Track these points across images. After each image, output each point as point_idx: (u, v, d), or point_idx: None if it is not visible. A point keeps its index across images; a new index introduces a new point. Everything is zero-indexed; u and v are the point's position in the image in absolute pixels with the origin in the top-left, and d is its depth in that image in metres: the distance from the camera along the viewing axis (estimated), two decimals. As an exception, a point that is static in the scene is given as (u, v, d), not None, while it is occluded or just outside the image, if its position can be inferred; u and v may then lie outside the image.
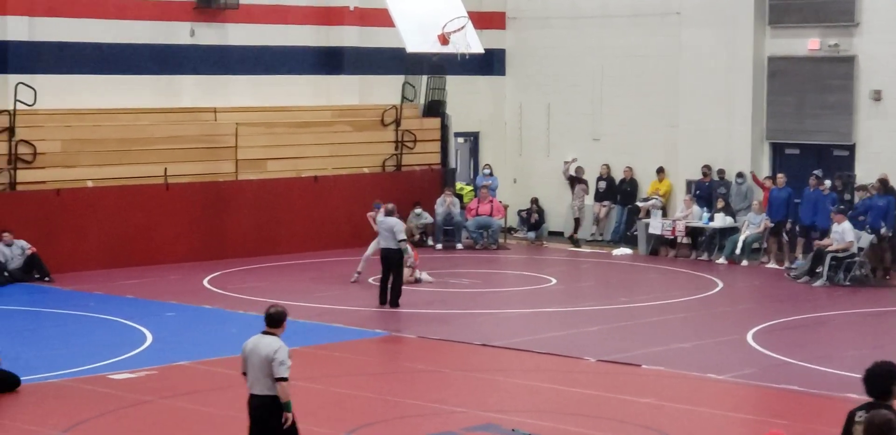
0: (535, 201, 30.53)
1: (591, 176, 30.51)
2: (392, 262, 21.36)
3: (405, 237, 21.68)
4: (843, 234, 23.96)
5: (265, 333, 11.29)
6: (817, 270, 24.07)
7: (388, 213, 21.76)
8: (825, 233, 24.77)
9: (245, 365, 11.25)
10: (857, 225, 24.74)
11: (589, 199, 30.44)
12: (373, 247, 23.25)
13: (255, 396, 11.17)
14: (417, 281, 23.60)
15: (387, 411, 14.72)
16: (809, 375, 16.67)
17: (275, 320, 11.30)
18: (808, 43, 27.68)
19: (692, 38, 29.04)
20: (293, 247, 27.52)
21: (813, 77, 27.67)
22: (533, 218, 30.28)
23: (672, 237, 27.83)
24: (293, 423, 11.12)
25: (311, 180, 28.05)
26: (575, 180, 30.32)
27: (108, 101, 26.26)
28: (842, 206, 24.97)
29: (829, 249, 24.09)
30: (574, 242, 29.80)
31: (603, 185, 30.40)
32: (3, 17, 25.05)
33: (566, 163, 30.41)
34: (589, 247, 29.56)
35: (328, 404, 15.12)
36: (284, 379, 11.03)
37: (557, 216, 31.04)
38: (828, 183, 25.91)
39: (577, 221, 30.22)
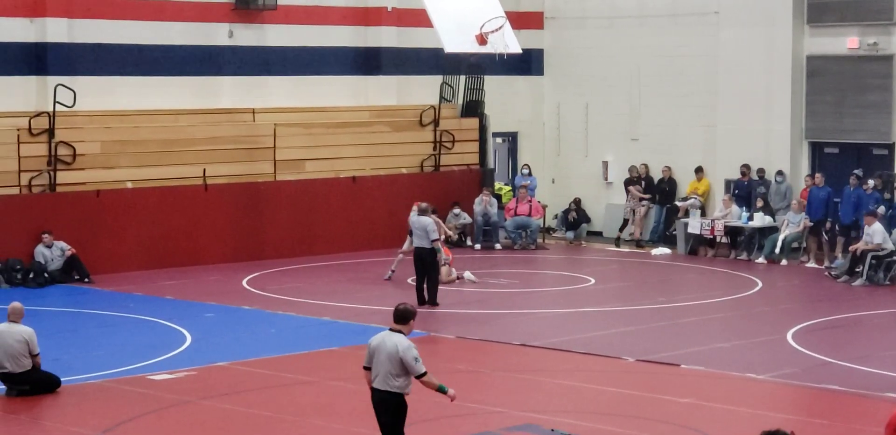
0: (577, 202, 30.46)
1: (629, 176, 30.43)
2: (426, 261, 21.36)
3: (437, 237, 21.69)
4: (873, 235, 23.86)
5: (392, 330, 11.50)
6: (856, 270, 23.94)
7: (422, 212, 21.74)
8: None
9: (369, 359, 11.47)
10: (896, 224, 24.62)
11: (623, 199, 30.35)
12: (407, 245, 23.30)
13: (377, 391, 11.48)
14: (460, 279, 23.58)
15: (426, 412, 14.69)
16: (849, 375, 16.58)
17: (402, 317, 11.52)
18: (846, 42, 27.53)
19: (730, 37, 28.92)
20: (331, 247, 27.56)
21: (852, 76, 27.52)
22: (571, 217, 30.22)
23: (711, 237, 27.73)
24: (403, 420, 11.50)
25: (349, 181, 28.09)
26: (631, 181, 30.13)
27: (147, 103, 26.39)
28: (871, 208, 24.83)
29: (861, 249, 23.96)
30: (616, 242, 29.69)
31: (642, 184, 30.31)
32: (42, 18, 25.21)
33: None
34: (628, 247, 29.49)
35: (367, 405, 15.08)
36: (424, 374, 11.36)
37: (596, 216, 30.98)
38: (871, 182, 25.75)
39: (626, 222, 30.09)
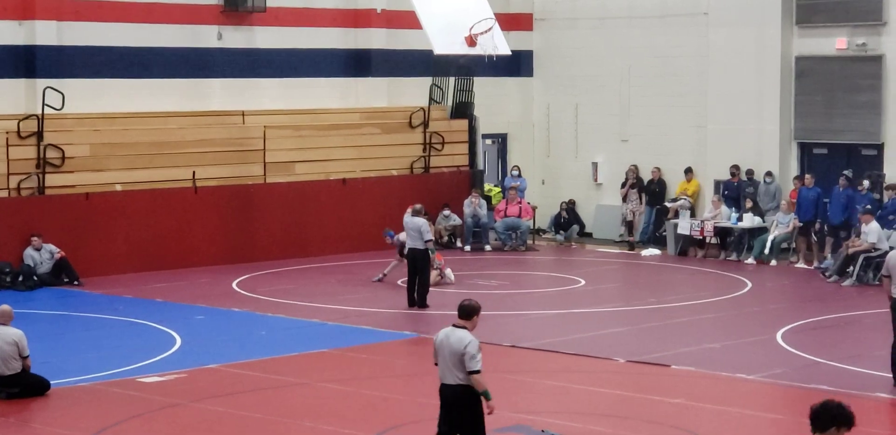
0: (571, 203, 30.43)
1: (620, 177, 30.44)
2: (419, 262, 21.36)
3: (432, 237, 21.70)
4: (868, 234, 23.89)
5: (456, 326, 11.46)
6: (847, 270, 23.97)
7: (416, 214, 21.75)
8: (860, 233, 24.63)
9: (435, 355, 11.50)
10: (887, 224, 24.64)
11: (616, 200, 30.35)
12: (398, 255, 23.38)
13: (446, 386, 11.45)
14: (442, 278, 23.61)
15: (416, 413, 14.70)
16: (840, 375, 16.60)
17: (466, 313, 11.48)
18: (835, 42, 27.58)
19: (720, 38, 28.95)
20: (322, 249, 27.55)
21: (841, 76, 27.57)
22: (562, 218, 30.23)
23: (701, 237, 27.76)
24: (481, 413, 11.38)
25: (339, 183, 28.08)
26: (632, 184, 30.06)
27: (137, 105, 26.37)
28: (868, 207, 24.86)
29: (855, 249, 23.99)
30: (630, 245, 29.43)
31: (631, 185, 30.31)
32: (31, 21, 25.18)
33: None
34: (616, 247, 29.50)
35: (357, 406, 15.13)
36: (477, 371, 11.27)
37: (586, 218, 30.98)
38: (865, 183, 25.77)
39: (631, 224, 29.97)
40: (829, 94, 27.76)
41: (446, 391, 11.45)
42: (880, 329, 20.29)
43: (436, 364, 11.54)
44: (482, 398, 11.32)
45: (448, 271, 23.97)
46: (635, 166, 30.22)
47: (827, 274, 24.50)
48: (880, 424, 14.71)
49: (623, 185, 30.12)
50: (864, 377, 16.46)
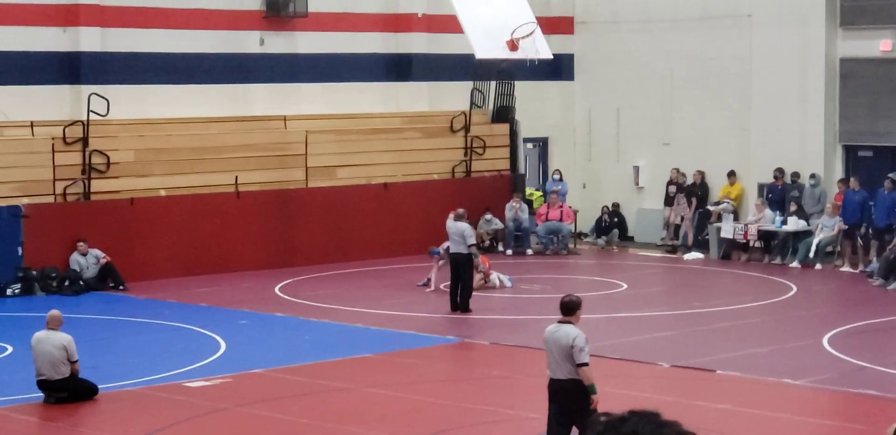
0: (615, 206, 30.32)
1: (661, 180, 30.34)
2: (461, 266, 21.37)
3: (475, 242, 21.71)
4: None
5: (561, 322, 12.05)
6: (893, 273, 23.78)
7: (458, 218, 21.76)
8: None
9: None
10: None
11: (659, 204, 30.23)
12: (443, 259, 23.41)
13: (555, 380, 11.97)
14: (486, 282, 23.58)
15: (461, 418, 14.71)
16: (887, 380, 16.48)
17: (568, 309, 12.09)
18: (879, 44, 27.41)
19: (763, 40, 28.81)
20: (363, 254, 27.58)
21: (886, 78, 27.40)
22: (604, 222, 30.16)
23: (744, 241, 27.62)
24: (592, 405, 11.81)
25: (381, 187, 28.12)
26: (679, 188, 29.93)
27: (180, 111, 26.48)
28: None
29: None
30: (672, 249, 29.32)
31: (674, 189, 30.20)
32: (76, 28, 25.34)
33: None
34: (658, 251, 29.39)
35: (402, 411, 15.14)
36: (585, 364, 11.78)
37: (628, 221, 30.88)
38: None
39: (677, 228, 29.87)
40: (873, 97, 27.59)
41: (556, 386, 11.95)
42: (927, 333, 20.20)
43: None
44: (588, 389, 11.80)
45: (496, 275, 23.93)
46: (677, 170, 30.09)
47: (873, 278, 24.33)
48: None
49: (667, 189, 29.97)
50: (912, 382, 16.35)
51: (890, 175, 26.18)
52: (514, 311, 21.86)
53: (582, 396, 11.77)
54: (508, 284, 24.05)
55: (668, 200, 30.19)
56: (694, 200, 29.56)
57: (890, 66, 27.35)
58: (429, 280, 23.96)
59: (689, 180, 29.87)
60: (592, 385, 11.73)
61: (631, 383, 16.62)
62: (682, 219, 29.67)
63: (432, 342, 19.17)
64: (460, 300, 21.39)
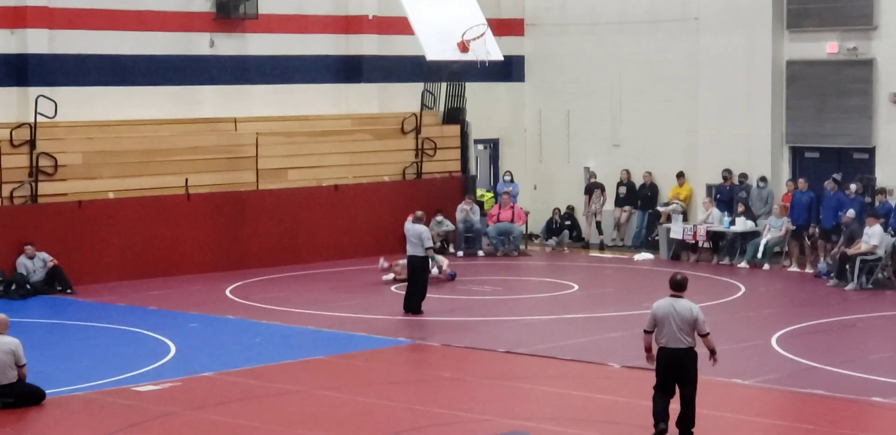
0: (570, 208, 30.38)
1: (611, 181, 30.47)
2: (417, 269, 21.38)
3: (432, 244, 21.75)
4: (871, 236, 23.90)
5: (674, 296, 13.58)
6: (846, 273, 23.88)
7: (417, 221, 21.78)
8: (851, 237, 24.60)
9: (652, 324, 13.61)
10: (879, 228, 24.65)
11: (609, 205, 30.40)
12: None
13: (674, 350, 13.51)
14: (439, 269, 24.15)
15: (413, 420, 14.71)
16: (836, 380, 16.61)
17: (681, 285, 13.64)
18: (826, 47, 27.64)
19: (711, 43, 29.00)
20: (315, 256, 27.55)
21: (832, 81, 27.63)
22: (555, 224, 30.25)
23: (693, 242, 27.78)
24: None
25: (331, 189, 28.08)
26: (594, 186, 30.26)
27: (129, 113, 26.34)
28: (872, 209, 24.88)
29: (854, 251, 23.99)
30: (600, 246, 29.72)
31: (623, 190, 30.36)
32: (23, 30, 25.15)
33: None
34: (611, 252, 29.52)
35: (353, 414, 15.12)
36: (709, 333, 13.63)
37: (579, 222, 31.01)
38: (853, 187, 25.78)
39: (598, 225, 30.19)
40: (820, 99, 27.82)
41: (673, 353, 13.47)
42: (875, 333, 20.41)
43: (646, 331, 13.65)
44: (712, 352, 13.65)
45: (440, 257, 24.85)
46: (627, 171, 30.26)
47: (827, 278, 24.40)
48: (877, 428, 14.73)
49: (617, 190, 30.18)
50: (861, 381, 16.47)
51: (833, 176, 26.41)
52: (465, 312, 21.88)
53: (695, 363, 13.51)
54: (449, 271, 24.71)
55: (619, 201, 30.35)
56: (638, 201, 29.84)
57: (836, 69, 27.58)
58: (390, 266, 24.32)
59: (641, 181, 30.09)
60: (714, 348, 13.63)
61: (582, 384, 16.68)
62: (595, 214, 29.97)
63: (384, 344, 19.16)
64: (413, 302, 21.39)
